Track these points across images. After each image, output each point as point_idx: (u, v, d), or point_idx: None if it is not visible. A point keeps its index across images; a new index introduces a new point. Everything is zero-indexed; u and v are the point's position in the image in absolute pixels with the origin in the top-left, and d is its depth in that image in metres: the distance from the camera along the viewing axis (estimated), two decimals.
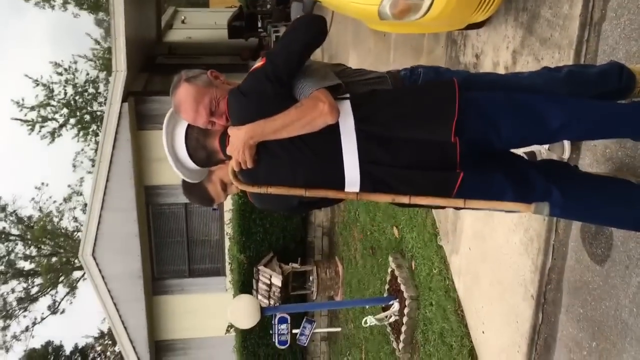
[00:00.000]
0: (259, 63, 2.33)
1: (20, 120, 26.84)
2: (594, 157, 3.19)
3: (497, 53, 4.35)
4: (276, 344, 8.17)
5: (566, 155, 3.15)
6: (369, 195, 2.41)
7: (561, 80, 2.52)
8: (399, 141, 2.26)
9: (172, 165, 2.61)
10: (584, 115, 2.35)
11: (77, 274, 27.75)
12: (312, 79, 2.23)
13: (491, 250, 4.54)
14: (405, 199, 2.35)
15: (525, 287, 3.99)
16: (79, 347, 29.50)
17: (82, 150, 29.42)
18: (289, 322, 8.00)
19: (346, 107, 2.28)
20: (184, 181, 2.69)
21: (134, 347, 11.75)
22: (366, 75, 2.57)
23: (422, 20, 3.94)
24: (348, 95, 2.34)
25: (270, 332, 8.31)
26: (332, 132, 2.24)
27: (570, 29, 3.41)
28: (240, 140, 2.24)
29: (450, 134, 2.21)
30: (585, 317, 3.34)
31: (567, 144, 3.16)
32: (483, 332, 4.75)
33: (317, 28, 2.28)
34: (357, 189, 2.34)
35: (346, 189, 2.35)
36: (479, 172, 2.35)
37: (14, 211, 27.80)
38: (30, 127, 27.15)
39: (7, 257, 27.41)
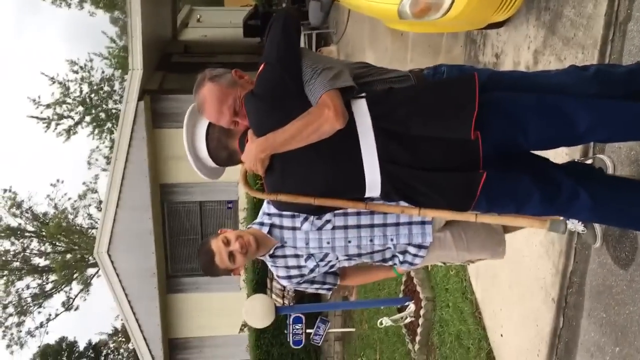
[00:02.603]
0: (259, 69, 2.31)
1: (36, 118, 27.05)
2: (619, 159, 3.14)
3: (518, 53, 4.30)
4: (291, 344, 8.15)
5: (610, 171, 3.08)
6: (378, 206, 2.38)
7: (589, 80, 2.46)
8: (418, 140, 2.21)
9: (191, 163, 2.59)
10: (611, 118, 2.29)
11: (91, 271, 27.91)
12: (323, 79, 2.17)
13: (510, 252, 4.44)
14: (415, 211, 2.32)
15: (545, 290, 3.94)
16: (93, 344, 29.72)
17: (97, 147, 29.65)
18: (303, 322, 7.98)
19: (362, 106, 2.24)
20: (199, 249, 2.71)
21: (147, 345, 11.80)
22: (389, 74, 2.53)
23: (442, 20, 3.90)
24: (364, 94, 2.29)
25: (285, 331, 8.29)
26: (349, 133, 2.19)
27: (595, 28, 3.36)
28: (253, 154, 2.24)
29: (470, 130, 2.14)
30: (608, 322, 3.28)
31: (608, 161, 3.08)
32: (502, 335, 4.70)
33: (288, 15, 2.35)
34: (378, 191, 2.30)
35: (367, 192, 2.31)
36: (505, 172, 2.30)
37: (30, 208, 28.03)
38: (46, 124, 27.35)
39: (22, 254, 27.62)
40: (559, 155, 3.47)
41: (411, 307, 6.86)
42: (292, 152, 2.22)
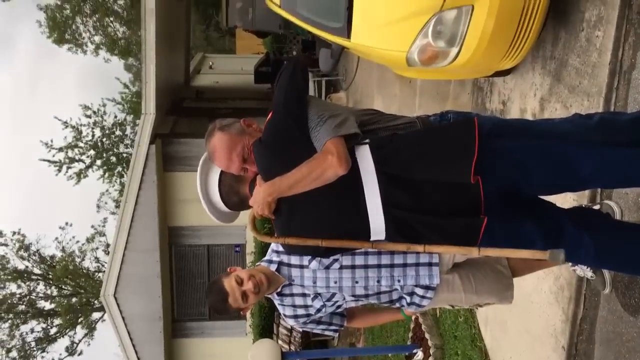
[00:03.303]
0: (268, 117, 2.39)
1: (48, 161, 27.31)
2: (626, 205, 3.15)
3: (525, 100, 4.37)
4: None
5: (617, 217, 3.10)
6: (385, 245, 2.40)
7: (593, 128, 2.50)
8: (421, 184, 2.25)
9: (205, 208, 2.68)
10: (615, 164, 2.32)
11: (96, 315, 27.72)
12: (328, 126, 2.24)
13: (519, 298, 4.41)
14: (420, 248, 2.33)
15: (556, 337, 3.89)
16: None
17: (107, 191, 29.78)
18: None
19: (365, 151, 2.29)
20: (207, 285, 2.75)
21: None
22: (395, 121, 2.58)
23: (449, 67, 3.99)
24: (368, 140, 2.34)
25: None
26: (353, 179, 2.24)
27: (600, 77, 3.42)
28: (260, 197, 2.30)
29: (470, 174, 2.18)
30: None
31: (616, 207, 3.11)
32: None
33: (297, 64, 2.45)
34: (383, 235, 2.33)
35: (372, 236, 2.34)
36: (507, 219, 2.32)
37: (37, 250, 28.03)
38: (57, 167, 27.59)
39: (28, 297, 27.49)
40: (567, 201, 3.49)
41: (419, 354, 6.76)
42: (298, 197, 2.26)
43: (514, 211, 2.36)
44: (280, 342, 9.60)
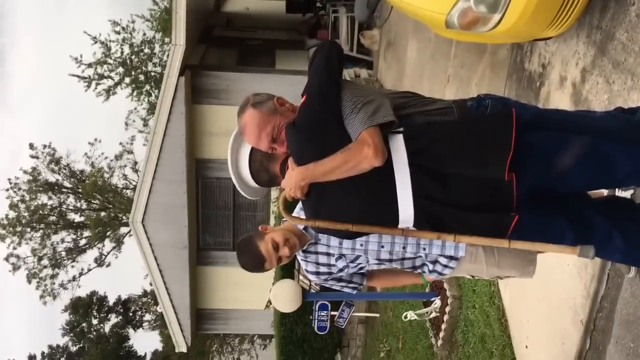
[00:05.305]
0: (302, 101, 2.37)
1: (78, 76, 27.35)
2: None
3: (566, 67, 4.23)
4: (315, 329, 8.29)
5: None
6: (415, 232, 2.41)
7: (635, 125, 2.43)
8: (453, 177, 2.24)
9: (234, 182, 2.70)
10: None
11: (124, 229, 28.51)
12: (363, 113, 2.22)
13: (542, 267, 4.45)
14: (450, 237, 2.34)
15: (575, 310, 3.94)
16: (122, 300, 30.56)
17: (135, 109, 29.88)
18: (329, 309, 8.09)
19: (399, 141, 2.27)
20: (238, 244, 2.77)
21: (176, 314, 12.10)
22: (431, 105, 2.52)
23: (489, 33, 3.85)
24: (402, 129, 2.31)
25: (310, 317, 8.43)
26: (385, 168, 2.23)
27: None
28: (293, 181, 2.31)
29: (504, 170, 2.16)
30: (636, 353, 3.28)
31: None
32: (526, 347, 4.72)
33: (332, 45, 2.42)
34: (411, 224, 2.35)
35: (400, 224, 2.35)
36: (538, 214, 2.32)
37: (67, 164, 28.58)
38: (87, 83, 27.66)
39: (58, 209, 28.29)
40: None
41: (437, 302, 6.91)
42: (329, 182, 2.28)
43: (545, 206, 2.35)
44: (301, 277, 9.84)
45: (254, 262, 2.66)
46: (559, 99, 4.28)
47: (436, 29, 4.50)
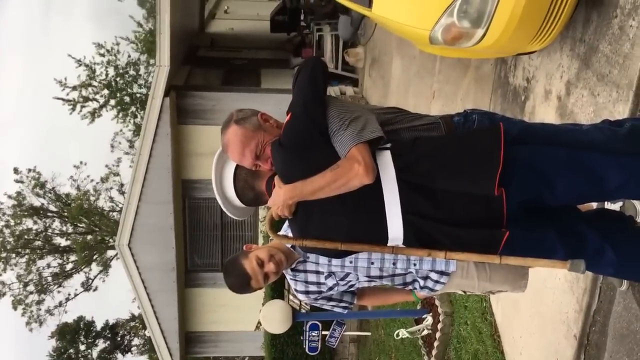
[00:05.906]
0: (287, 119, 2.33)
1: (62, 99, 27.28)
2: None
3: (550, 81, 4.24)
4: (306, 350, 8.18)
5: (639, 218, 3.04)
6: (405, 250, 2.37)
7: (623, 138, 2.42)
8: (442, 193, 2.21)
9: (219, 202, 2.64)
10: None
11: (110, 253, 28.26)
12: (351, 130, 2.18)
13: (534, 281, 4.42)
14: (441, 254, 2.30)
15: (568, 325, 3.90)
16: (110, 324, 30.18)
17: (121, 131, 29.82)
18: (320, 329, 8.00)
19: (386, 157, 2.24)
20: (225, 265, 2.72)
21: (164, 337, 11.93)
22: (418, 120, 2.50)
23: (473, 48, 3.85)
24: (389, 145, 2.28)
25: (301, 337, 8.33)
26: (373, 185, 2.19)
27: (631, 69, 3.29)
28: (280, 199, 2.25)
29: (494, 186, 2.13)
30: None
31: (639, 206, 3.04)
32: None
33: (317, 62, 2.38)
34: (400, 242, 2.30)
35: (389, 242, 2.31)
36: (529, 230, 2.30)
37: (53, 188, 28.38)
38: (71, 106, 27.57)
39: (44, 233, 28.01)
40: None
41: (429, 319, 6.85)
42: (317, 201, 2.23)
43: (535, 221, 2.33)
44: (291, 297, 9.74)
45: (239, 282, 2.60)
46: (544, 113, 4.28)
47: (420, 45, 4.50)
